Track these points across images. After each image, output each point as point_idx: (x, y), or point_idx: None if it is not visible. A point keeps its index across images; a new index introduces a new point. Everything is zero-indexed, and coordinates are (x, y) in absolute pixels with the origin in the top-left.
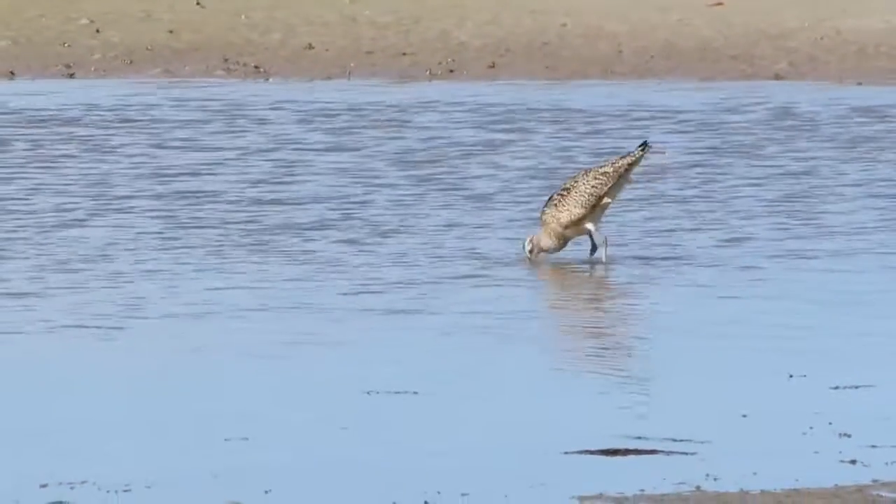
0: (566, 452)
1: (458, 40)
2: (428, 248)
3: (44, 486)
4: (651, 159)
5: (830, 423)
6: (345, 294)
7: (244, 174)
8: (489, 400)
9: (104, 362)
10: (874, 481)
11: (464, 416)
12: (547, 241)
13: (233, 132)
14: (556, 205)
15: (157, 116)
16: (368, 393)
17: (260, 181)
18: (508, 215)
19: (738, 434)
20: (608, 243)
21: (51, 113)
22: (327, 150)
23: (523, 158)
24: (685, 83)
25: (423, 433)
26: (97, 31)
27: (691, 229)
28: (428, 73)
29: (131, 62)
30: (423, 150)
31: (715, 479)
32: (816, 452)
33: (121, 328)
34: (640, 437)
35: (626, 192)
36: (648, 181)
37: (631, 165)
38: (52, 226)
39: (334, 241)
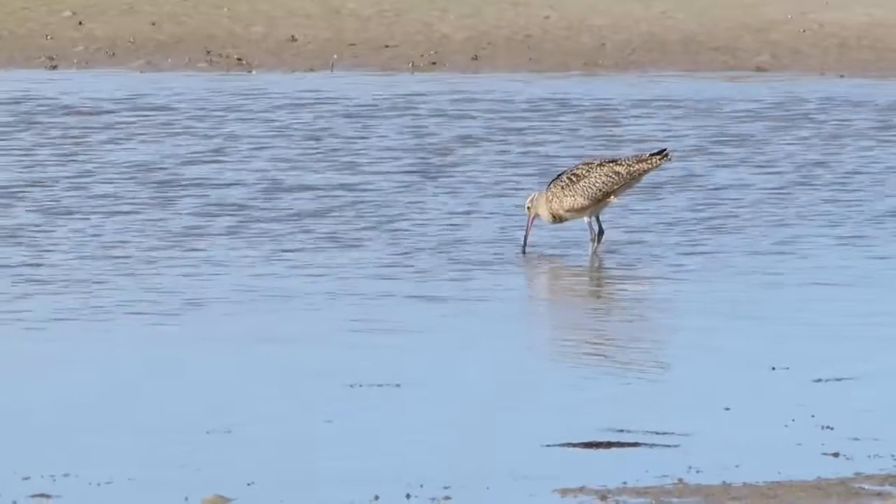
0: (548, 445)
1: (441, 33)
2: (410, 241)
3: (26, 478)
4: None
5: (813, 416)
6: (328, 287)
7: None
8: (471, 393)
9: (85, 355)
10: (857, 474)
11: (446, 409)
12: (545, 213)
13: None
14: (563, 187)
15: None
16: (352, 386)
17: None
18: (494, 208)
19: (720, 427)
20: (602, 238)
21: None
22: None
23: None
24: (668, 75)
25: (406, 426)
26: (80, 23)
27: (670, 223)
28: (411, 65)
29: (114, 54)
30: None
31: (697, 472)
32: (799, 445)
33: (100, 321)
34: (622, 430)
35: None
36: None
37: (646, 171)
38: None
39: (314, 234)
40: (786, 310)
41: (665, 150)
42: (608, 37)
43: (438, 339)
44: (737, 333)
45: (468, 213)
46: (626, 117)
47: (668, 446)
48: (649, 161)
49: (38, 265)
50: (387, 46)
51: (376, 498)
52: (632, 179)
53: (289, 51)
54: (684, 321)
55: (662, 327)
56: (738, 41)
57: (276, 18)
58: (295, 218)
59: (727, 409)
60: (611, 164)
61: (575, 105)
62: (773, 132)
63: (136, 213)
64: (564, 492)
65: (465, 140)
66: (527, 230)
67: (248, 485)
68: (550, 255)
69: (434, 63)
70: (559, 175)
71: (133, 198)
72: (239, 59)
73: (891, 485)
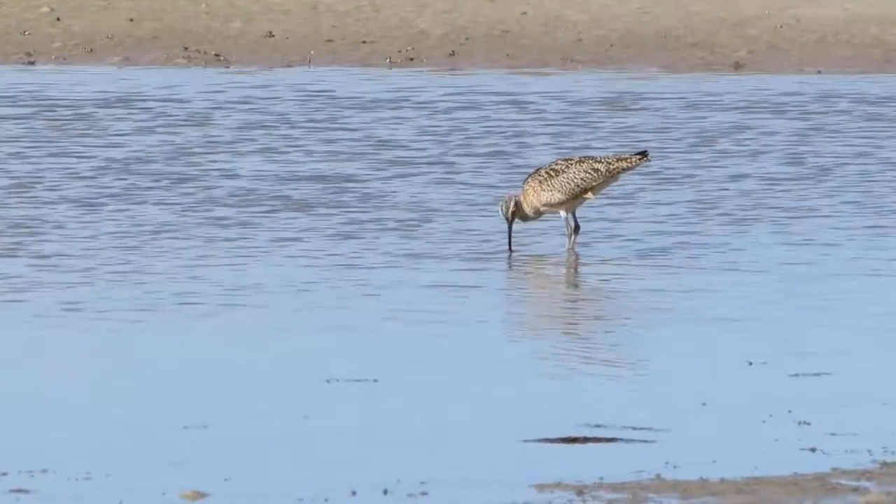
0: (525, 440)
1: (418, 28)
2: (388, 236)
3: (4, 474)
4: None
5: (790, 411)
6: (304, 282)
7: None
8: (448, 388)
9: (62, 350)
10: (834, 469)
11: (423, 405)
12: (524, 209)
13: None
14: (541, 181)
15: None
16: (328, 381)
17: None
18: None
19: (697, 422)
20: (578, 233)
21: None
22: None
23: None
24: (645, 71)
25: (383, 421)
26: (57, 19)
27: (646, 218)
28: (388, 60)
29: (91, 50)
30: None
31: (675, 467)
32: (776, 440)
33: (77, 314)
34: (599, 425)
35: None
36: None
37: (625, 170)
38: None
39: (290, 229)
40: (762, 305)
41: (646, 151)
42: (585, 33)
43: (416, 335)
44: (714, 328)
45: (442, 208)
46: (601, 113)
47: (645, 442)
48: (629, 160)
49: None
50: (364, 42)
51: (353, 493)
52: (610, 177)
53: (266, 46)
54: (661, 316)
55: (639, 322)
56: (714, 37)
57: (253, 14)
58: (268, 213)
59: (704, 404)
60: (590, 161)
61: (550, 101)
62: (750, 127)
63: (105, 206)
64: (541, 487)
65: (426, 132)
66: (509, 230)
67: (225, 480)
68: (527, 251)
69: (412, 59)
70: (537, 170)
71: (100, 194)
72: (217, 55)
73: (868, 480)
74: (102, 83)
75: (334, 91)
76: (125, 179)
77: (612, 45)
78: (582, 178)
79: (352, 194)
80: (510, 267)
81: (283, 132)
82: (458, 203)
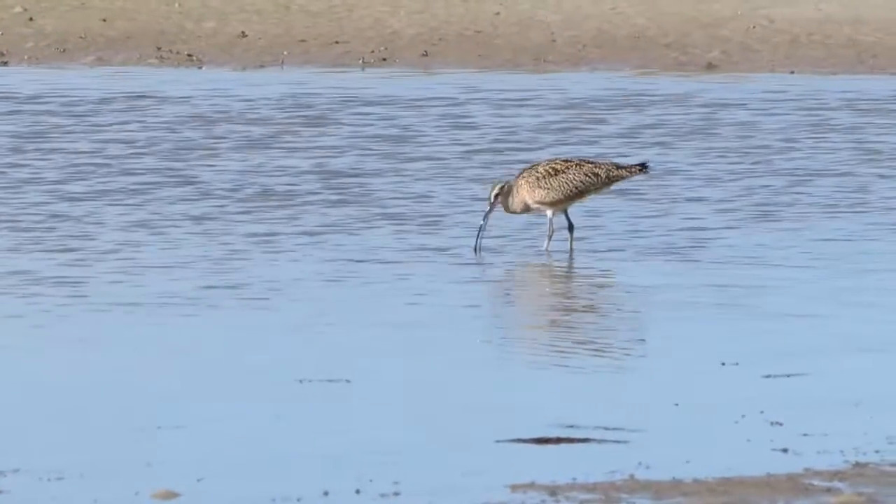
0: (498, 441)
1: (391, 29)
2: (365, 237)
3: None
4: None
5: (762, 412)
6: (276, 283)
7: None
8: (421, 388)
9: (34, 349)
10: (806, 470)
11: (396, 405)
12: (511, 201)
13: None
14: (538, 178)
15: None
16: (301, 381)
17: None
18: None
19: (670, 422)
20: (554, 238)
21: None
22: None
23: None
24: (618, 71)
25: (356, 421)
26: (30, 19)
27: (622, 219)
28: (361, 61)
29: (64, 50)
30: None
31: (647, 468)
32: (748, 441)
33: (51, 314)
34: (572, 426)
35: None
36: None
37: (621, 179)
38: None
39: (266, 227)
40: (735, 305)
41: (645, 163)
42: (558, 33)
43: (389, 335)
44: (687, 329)
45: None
46: (584, 112)
47: (618, 442)
48: (629, 169)
49: None
50: (337, 42)
51: (325, 493)
52: (608, 184)
53: (239, 46)
54: (634, 317)
55: (612, 323)
56: (687, 37)
57: (226, 14)
58: (247, 211)
59: (677, 404)
60: (590, 165)
61: (529, 101)
62: (727, 127)
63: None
64: (514, 487)
65: (410, 130)
66: (483, 222)
67: (198, 480)
68: (502, 250)
69: (384, 59)
70: (533, 165)
71: (75, 192)
72: (189, 55)
73: (840, 480)
74: (76, 82)
75: (308, 90)
76: (86, 181)
77: (584, 46)
78: (581, 182)
79: (332, 191)
80: (481, 271)
81: (253, 131)
82: (435, 202)
